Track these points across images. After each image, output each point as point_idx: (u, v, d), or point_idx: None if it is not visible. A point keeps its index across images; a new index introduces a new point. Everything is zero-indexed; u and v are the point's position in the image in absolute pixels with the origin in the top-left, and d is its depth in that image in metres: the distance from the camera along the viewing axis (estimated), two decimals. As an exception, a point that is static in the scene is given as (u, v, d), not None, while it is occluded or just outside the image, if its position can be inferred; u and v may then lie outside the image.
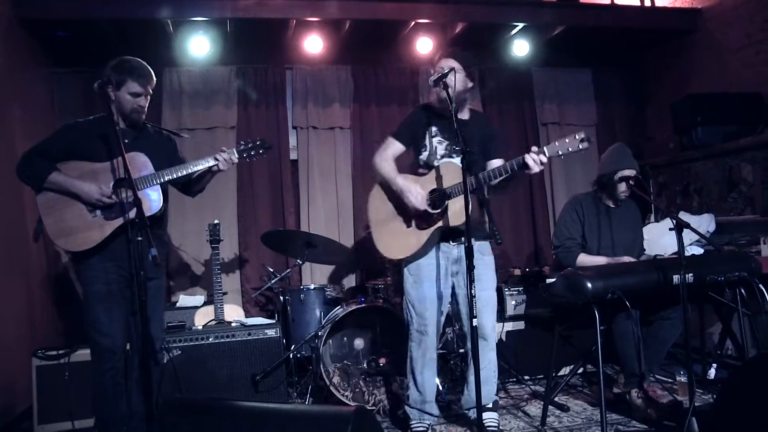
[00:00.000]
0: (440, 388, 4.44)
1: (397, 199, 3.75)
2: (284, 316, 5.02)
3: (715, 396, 3.79)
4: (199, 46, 5.56)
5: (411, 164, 3.91)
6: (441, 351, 4.58)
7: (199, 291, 5.81)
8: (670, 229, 3.46)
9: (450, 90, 3.41)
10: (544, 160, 3.41)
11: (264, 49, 6.11)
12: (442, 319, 3.84)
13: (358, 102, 6.25)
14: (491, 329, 3.80)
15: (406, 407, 3.88)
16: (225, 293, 4.99)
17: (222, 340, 4.34)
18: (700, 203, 5.78)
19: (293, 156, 6.19)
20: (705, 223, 5.20)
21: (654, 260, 3.94)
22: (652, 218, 5.94)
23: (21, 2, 4.81)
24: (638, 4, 6.39)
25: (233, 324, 4.55)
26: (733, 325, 4.38)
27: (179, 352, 4.21)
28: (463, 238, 3.67)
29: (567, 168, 6.65)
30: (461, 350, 4.60)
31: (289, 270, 5.23)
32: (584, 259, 4.18)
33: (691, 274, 3.57)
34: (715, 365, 4.62)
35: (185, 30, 5.50)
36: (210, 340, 4.32)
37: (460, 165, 3.56)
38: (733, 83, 5.60)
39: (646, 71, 6.93)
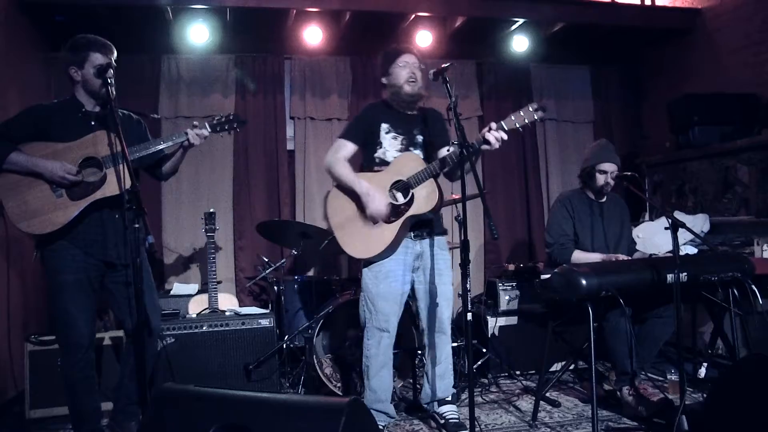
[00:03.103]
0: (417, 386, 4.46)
1: (359, 199, 3.68)
2: (278, 306, 5.03)
3: (705, 395, 3.81)
4: (198, 34, 5.55)
5: (363, 163, 3.86)
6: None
7: (193, 279, 5.80)
8: (665, 228, 3.46)
9: (449, 85, 3.41)
10: (504, 136, 3.45)
11: (263, 38, 6.09)
12: (400, 315, 3.80)
13: (356, 93, 6.24)
14: (449, 323, 3.83)
15: None
16: (219, 282, 5.00)
17: (215, 329, 4.34)
18: (695, 203, 5.80)
19: (290, 146, 6.19)
20: (699, 222, 5.22)
21: (648, 259, 3.96)
22: (647, 217, 5.95)
23: (20, -14, 4.80)
24: (638, 2, 6.39)
25: (227, 313, 4.55)
26: (724, 324, 4.39)
27: (173, 340, 4.21)
28: (424, 233, 3.75)
29: (563, 163, 6.67)
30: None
31: (283, 260, 5.23)
32: (579, 256, 4.20)
33: (684, 274, 3.58)
34: (705, 364, 4.64)
35: (184, 17, 5.48)
36: (204, 328, 4.32)
37: (419, 155, 3.70)
38: (730, 84, 5.61)
39: (644, 70, 6.94)
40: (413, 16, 5.68)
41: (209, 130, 3.53)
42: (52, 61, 5.56)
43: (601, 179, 4.30)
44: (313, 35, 5.77)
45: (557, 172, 6.68)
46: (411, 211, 3.61)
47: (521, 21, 5.90)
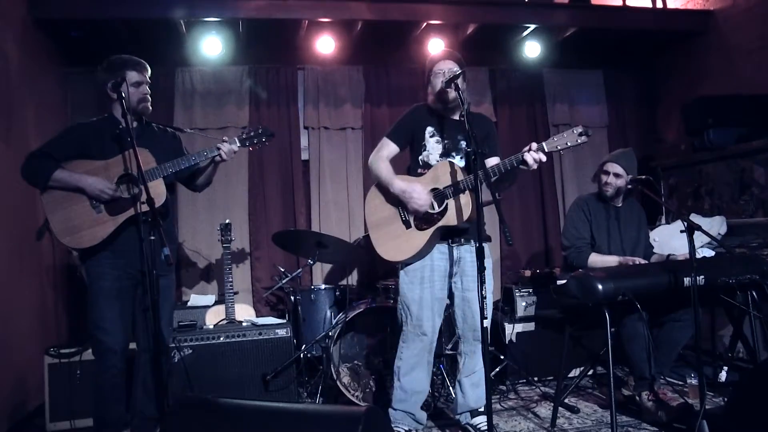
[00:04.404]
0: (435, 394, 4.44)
1: (396, 200, 3.70)
2: (295, 316, 5.04)
3: (726, 399, 3.78)
4: (211, 46, 5.59)
5: (408, 165, 3.88)
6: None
7: (210, 290, 5.84)
8: (681, 232, 3.44)
9: (461, 92, 3.42)
10: (543, 158, 3.42)
11: (276, 49, 6.13)
12: (440, 321, 3.79)
13: (370, 102, 6.26)
14: (486, 332, 3.79)
15: (390, 410, 3.83)
16: (236, 293, 5.01)
17: (233, 340, 4.34)
18: (711, 205, 5.76)
19: (304, 156, 6.21)
20: (716, 225, 5.18)
21: (665, 262, 3.93)
22: (663, 220, 5.92)
23: (36, 3, 4.86)
24: (650, 5, 6.38)
25: (244, 323, 4.56)
26: (744, 328, 4.36)
27: (190, 351, 4.22)
28: (462, 239, 3.71)
29: (578, 169, 6.64)
30: (448, 352, 4.58)
31: (300, 270, 5.24)
32: (596, 259, 4.18)
33: (702, 277, 3.56)
34: (726, 368, 4.61)
35: (198, 30, 5.53)
36: (221, 339, 4.33)
37: (458, 164, 3.65)
38: (744, 85, 5.57)
39: (657, 73, 6.90)
40: (425, 24, 5.69)
41: (238, 144, 3.65)
42: (68, 76, 5.64)
43: (603, 178, 4.35)
44: (325, 45, 5.80)
45: (572, 177, 6.65)
46: (442, 222, 3.60)
47: (533, 27, 5.89)
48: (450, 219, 3.59)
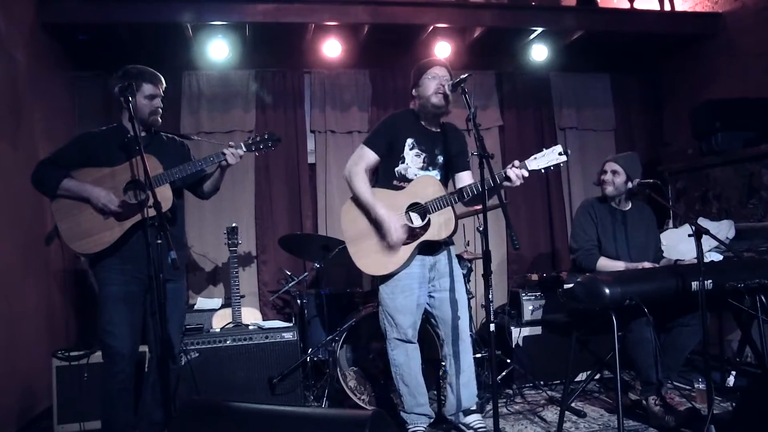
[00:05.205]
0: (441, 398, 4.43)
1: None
2: (301, 320, 5.04)
3: (734, 404, 3.76)
4: (218, 50, 5.60)
5: (383, 173, 3.86)
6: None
7: (217, 293, 5.84)
8: (689, 236, 3.43)
9: (468, 96, 3.40)
10: (526, 174, 3.49)
11: (282, 53, 6.14)
12: (419, 324, 3.83)
13: (376, 106, 6.26)
14: (468, 330, 3.84)
15: (402, 413, 3.87)
16: (242, 296, 5.02)
17: (239, 343, 4.36)
18: (719, 209, 5.72)
19: (311, 160, 6.22)
20: (724, 229, 5.15)
21: (672, 266, 3.91)
22: (671, 224, 5.89)
23: (44, 7, 4.88)
24: (657, 8, 6.36)
25: (251, 327, 4.57)
26: (753, 332, 4.33)
27: (197, 354, 4.23)
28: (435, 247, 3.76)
29: (584, 173, 6.62)
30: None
31: (306, 273, 5.24)
32: (604, 263, 4.17)
33: (710, 281, 3.54)
34: (734, 373, 4.58)
35: (204, 34, 5.54)
36: (227, 342, 4.34)
37: (437, 178, 3.72)
38: (753, 88, 5.53)
39: (664, 76, 6.88)
40: (432, 27, 5.69)
41: (244, 149, 3.66)
42: (75, 80, 5.66)
43: (601, 177, 4.38)
44: (332, 49, 5.80)
45: (579, 180, 6.64)
46: (426, 236, 3.65)
47: (540, 30, 5.88)
48: (433, 233, 3.64)
